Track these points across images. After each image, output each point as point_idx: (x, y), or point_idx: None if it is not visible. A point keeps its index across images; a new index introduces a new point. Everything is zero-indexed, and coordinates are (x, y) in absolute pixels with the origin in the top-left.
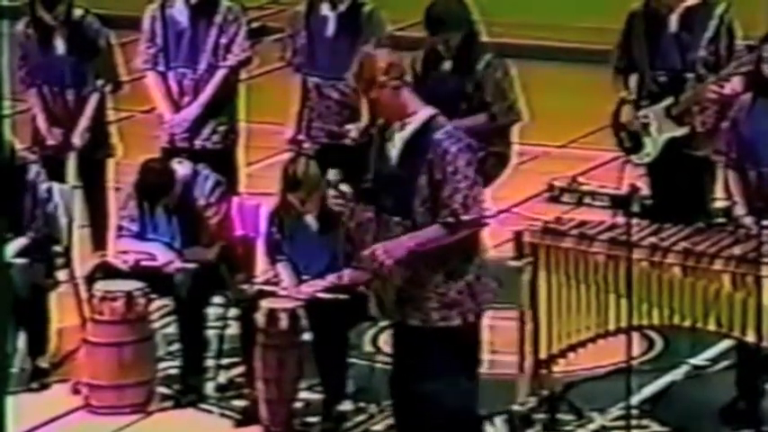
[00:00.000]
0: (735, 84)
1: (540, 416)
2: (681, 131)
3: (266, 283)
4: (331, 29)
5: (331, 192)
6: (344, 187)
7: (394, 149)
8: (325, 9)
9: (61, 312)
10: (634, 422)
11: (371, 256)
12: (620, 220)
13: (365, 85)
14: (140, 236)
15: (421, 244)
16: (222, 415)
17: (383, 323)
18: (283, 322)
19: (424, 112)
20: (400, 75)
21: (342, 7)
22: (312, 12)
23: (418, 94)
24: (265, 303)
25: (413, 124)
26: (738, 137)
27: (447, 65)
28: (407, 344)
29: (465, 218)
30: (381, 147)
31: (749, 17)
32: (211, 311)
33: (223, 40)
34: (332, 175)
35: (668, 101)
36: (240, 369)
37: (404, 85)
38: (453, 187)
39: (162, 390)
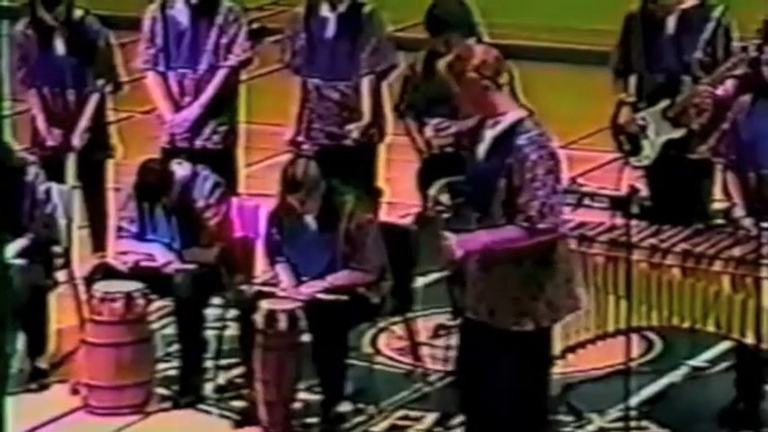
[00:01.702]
0: (728, 86)
1: None
2: (678, 133)
3: (265, 284)
4: (331, 30)
5: (431, 204)
6: (444, 198)
7: (482, 146)
8: (325, 10)
9: (60, 313)
10: (633, 423)
11: (446, 245)
12: (620, 221)
13: (455, 76)
14: (140, 237)
15: (495, 242)
16: (221, 416)
17: (382, 324)
18: (282, 323)
19: (513, 114)
20: (493, 74)
21: (341, 8)
22: (312, 13)
23: (419, 95)
24: (264, 304)
25: (501, 124)
26: (738, 139)
27: None
28: (477, 342)
29: (540, 226)
30: (472, 142)
31: (746, 19)
32: (210, 312)
33: (224, 41)
34: (434, 189)
35: (665, 103)
36: (239, 370)
37: (495, 85)
38: (531, 194)
39: (161, 390)
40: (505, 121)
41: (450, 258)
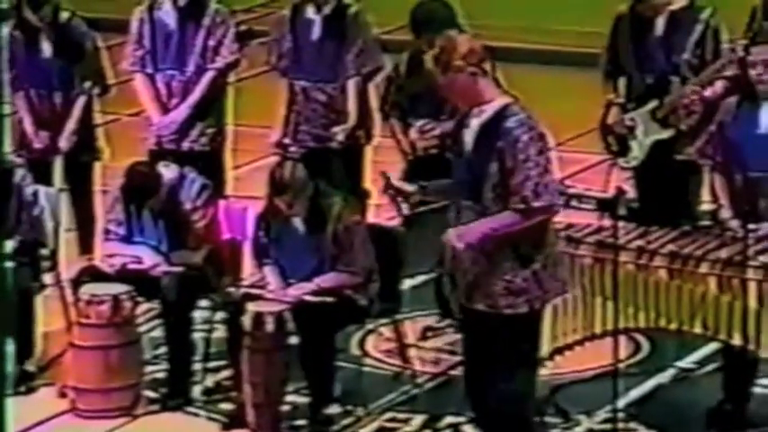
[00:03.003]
0: (717, 87)
1: None
2: (666, 134)
3: (253, 286)
4: (316, 32)
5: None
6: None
7: (469, 135)
8: (311, 12)
9: (47, 316)
10: (621, 425)
11: (445, 240)
12: (607, 222)
13: (443, 67)
14: (127, 239)
15: (494, 229)
16: (209, 418)
17: (370, 326)
18: (270, 325)
19: (499, 100)
20: (478, 62)
21: (327, 10)
22: (297, 15)
23: (403, 96)
24: (252, 307)
25: (488, 111)
26: (724, 140)
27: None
28: (474, 329)
29: (536, 204)
30: (457, 132)
31: (734, 21)
32: (198, 315)
33: (211, 43)
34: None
35: (654, 104)
36: (227, 372)
37: (481, 72)
38: (525, 175)
39: (149, 393)
40: (492, 107)
41: (451, 253)
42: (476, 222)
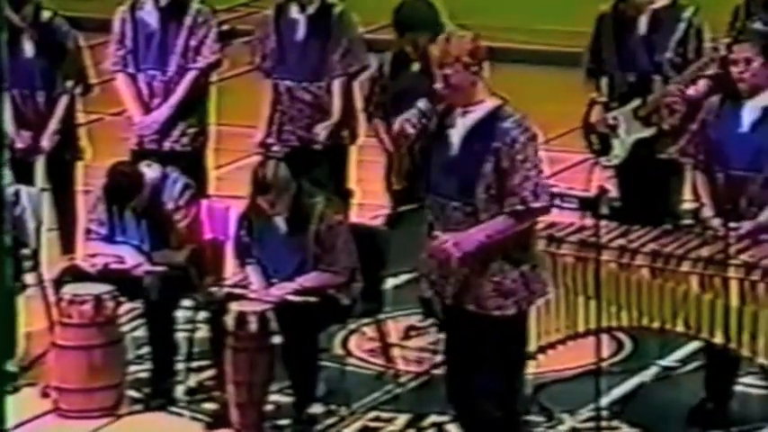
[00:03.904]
0: (700, 86)
1: None
2: (648, 133)
3: (236, 285)
4: (301, 32)
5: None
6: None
7: (456, 135)
8: (295, 12)
9: (29, 316)
10: (604, 423)
11: (440, 247)
12: (589, 221)
13: (451, 59)
14: (109, 239)
15: (489, 236)
16: (192, 418)
17: (353, 326)
18: (253, 325)
19: (491, 101)
20: (480, 62)
21: (311, 9)
22: (281, 15)
23: (387, 95)
24: (235, 306)
25: (478, 112)
26: (706, 139)
27: (415, 66)
28: (460, 330)
29: (535, 205)
30: (440, 132)
31: (717, 20)
32: (181, 314)
33: (193, 43)
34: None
35: (636, 102)
36: (210, 372)
37: (481, 71)
38: (523, 175)
39: (132, 393)
40: (483, 108)
41: (444, 260)
42: (472, 230)
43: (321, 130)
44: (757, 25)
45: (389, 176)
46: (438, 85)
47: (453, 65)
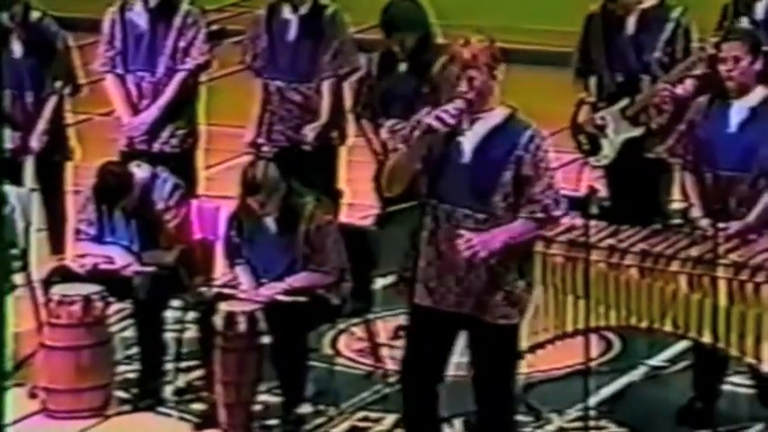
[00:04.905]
0: (687, 85)
1: None
2: (636, 132)
3: (225, 285)
4: (293, 32)
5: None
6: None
7: (468, 142)
8: (287, 12)
9: (18, 316)
10: (592, 423)
11: (467, 245)
12: (579, 221)
13: (478, 62)
14: (98, 239)
15: (513, 238)
16: (181, 418)
17: (342, 326)
18: (242, 325)
19: (501, 109)
20: (498, 67)
21: (303, 10)
22: (273, 15)
23: (374, 96)
24: (224, 306)
25: (491, 119)
26: (695, 139)
27: (403, 66)
28: (451, 333)
29: (556, 213)
30: (448, 139)
31: (705, 19)
32: (170, 315)
33: (182, 44)
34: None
35: (624, 102)
36: (199, 372)
37: (499, 78)
38: (547, 183)
39: (120, 393)
40: (495, 115)
41: (468, 259)
42: (495, 230)
43: (309, 132)
44: (745, 24)
45: (379, 177)
46: (462, 88)
47: (480, 68)
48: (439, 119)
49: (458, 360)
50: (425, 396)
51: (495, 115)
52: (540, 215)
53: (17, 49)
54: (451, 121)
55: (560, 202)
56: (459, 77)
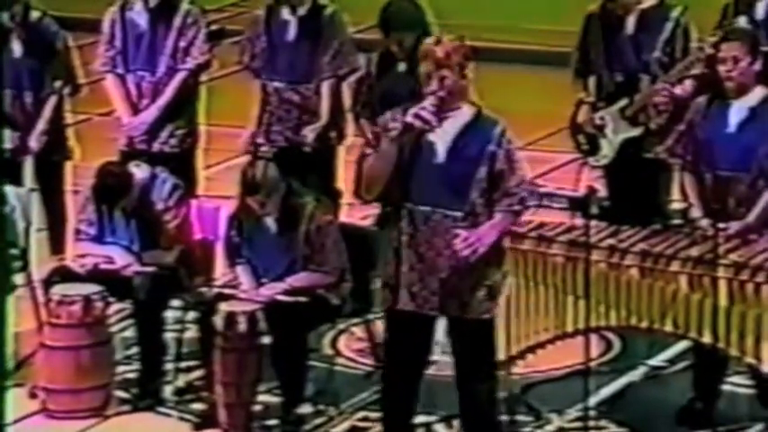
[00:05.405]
0: (686, 85)
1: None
2: (636, 132)
3: (225, 286)
4: (292, 33)
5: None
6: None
7: (439, 142)
8: (286, 13)
9: (18, 316)
10: (592, 423)
11: (464, 244)
12: (579, 221)
13: (450, 62)
14: (98, 239)
15: (500, 232)
16: (181, 418)
17: (342, 326)
18: (242, 325)
19: (468, 107)
20: (469, 66)
21: (302, 11)
22: (272, 16)
23: (374, 95)
24: (224, 306)
25: (461, 117)
26: (694, 139)
27: (401, 66)
28: (427, 332)
29: (530, 204)
30: (418, 140)
31: (705, 19)
32: (170, 315)
33: (182, 43)
34: None
35: (623, 102)
36: (199, 372)
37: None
38: (520, 176)
39: (120, 393)
40: (464, 113)
41: (463, 257)
42: (485, 227)
43: (309, 133)
44: (744, 24)
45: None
46: (433, 87)
47: (452, 67)
48: (418, 117)
49: (451, 360)
50: (409, 398)
51: (464, 113)
52: (517, 207)
53: (17, 48)
54: (431, 118)
55: (533, 192)
56: (431, 76)
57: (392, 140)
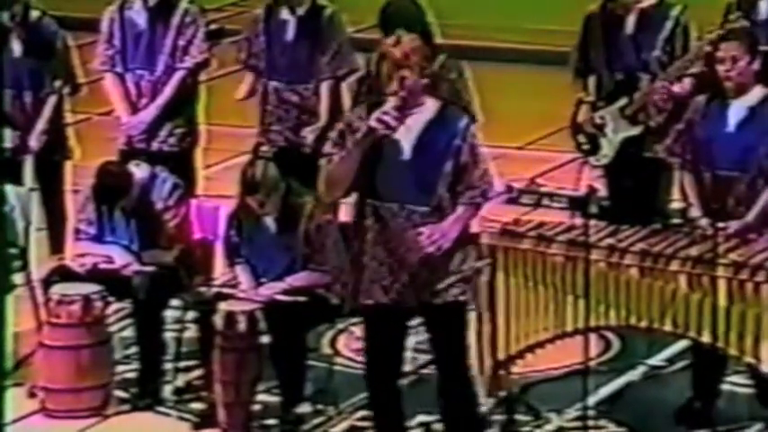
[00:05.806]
0: (685, 84)
1: (498, 417)
2: (635, 131)
3: (225, 285)
4: (291, 33)
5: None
6: None
7: (404, 139)
8: (285, 13)
9: (18, 316)
10: (591, 423)
11: (428, 240)
12: (578, 221)
13: (410, 62)
14: (98, 239)
15: (464, 225)
16: (180, 418)
17: (341, 325)
18: (242, 325)
19: (432, 101)
20: (429, 65)
21: (301, 11)
22: (271, 16)
23: (373, 95)
24: (224, 306)
25: (425, 113)
26: (693, 139)
27: None
28: (402, 325)
29: (492, 195)
30: (382, 137)
31: (705, 18)
32: (169, 314)
33: (181, 42)
34: None
35: (622, 101)
36: (198, 372)
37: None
38: (483, 169)
39: (119, 393)
40: (428, 109)
41: (430, 252)
42: (448, 221)
43: (309, 134)
44: (743, 23)
45: None
46: (394, 87)
47: (412, 67)
48: (381, 121)
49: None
50: (393, 393)
51: (428, 109)
52: (479, 200)
53: (17, 48)
54: (394, 123)
55: (493, 184)
56: (391, 76)
57: (356, 144)
